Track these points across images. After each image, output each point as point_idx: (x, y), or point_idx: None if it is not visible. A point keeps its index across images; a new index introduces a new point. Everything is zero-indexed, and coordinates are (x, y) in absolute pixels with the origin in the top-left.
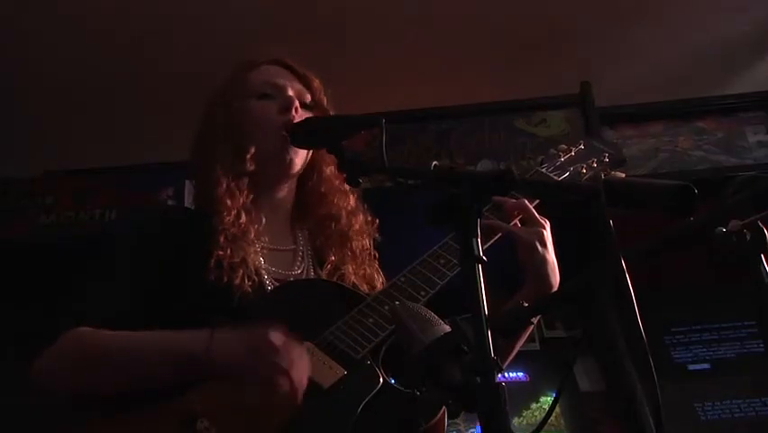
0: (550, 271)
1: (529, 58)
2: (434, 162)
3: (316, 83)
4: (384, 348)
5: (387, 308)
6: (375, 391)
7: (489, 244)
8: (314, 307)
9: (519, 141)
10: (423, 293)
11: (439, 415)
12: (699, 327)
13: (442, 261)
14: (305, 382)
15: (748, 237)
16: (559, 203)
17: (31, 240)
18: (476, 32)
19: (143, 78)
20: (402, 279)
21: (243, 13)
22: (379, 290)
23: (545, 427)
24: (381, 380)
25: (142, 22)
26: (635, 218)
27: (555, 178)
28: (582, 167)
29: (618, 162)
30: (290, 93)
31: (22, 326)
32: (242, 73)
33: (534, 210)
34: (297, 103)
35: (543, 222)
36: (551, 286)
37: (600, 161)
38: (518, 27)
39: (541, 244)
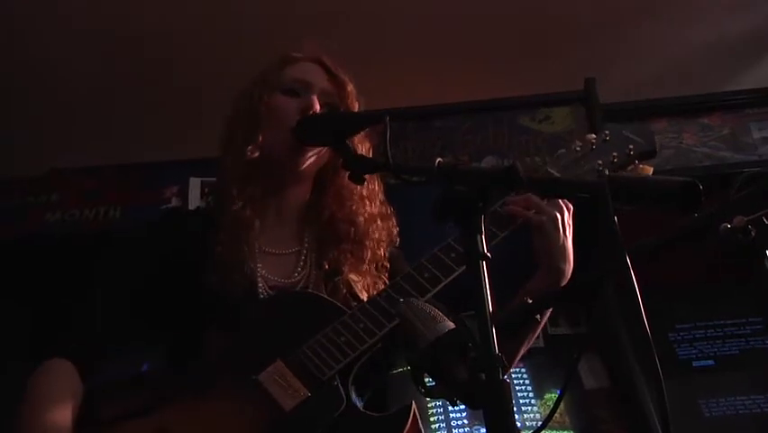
0: (560, 257)
1: (533, 54)
2: (439, 159)
3: (350, 87)
4: (357, 367)
5: (362, 326)
6: (338, 413)
7: (506, 232)
8: (296, 321)
9: (523, 138)
10: None
11: None
12: (703, 324)
13: (426, 275)
14: None
15: (753, 233)
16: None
17: (36, 238)
18: (480, 28)
19: (148, 77)
20: (383, 294)
21: (244, 13)
22: (357, 306)
23: (550, 424)
24: (345, 401)
25: (146, 21)
26: (639, 215)
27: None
28: (599, 164)
29: (646, 154)
30: (314, 94)
31: (27, 323)
32: (277, 67)
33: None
34: (317, 106)
35: (562, 206)
36: (561, 273)
37: (622, 155)
38: (522, 24)
39: (553, 228)
